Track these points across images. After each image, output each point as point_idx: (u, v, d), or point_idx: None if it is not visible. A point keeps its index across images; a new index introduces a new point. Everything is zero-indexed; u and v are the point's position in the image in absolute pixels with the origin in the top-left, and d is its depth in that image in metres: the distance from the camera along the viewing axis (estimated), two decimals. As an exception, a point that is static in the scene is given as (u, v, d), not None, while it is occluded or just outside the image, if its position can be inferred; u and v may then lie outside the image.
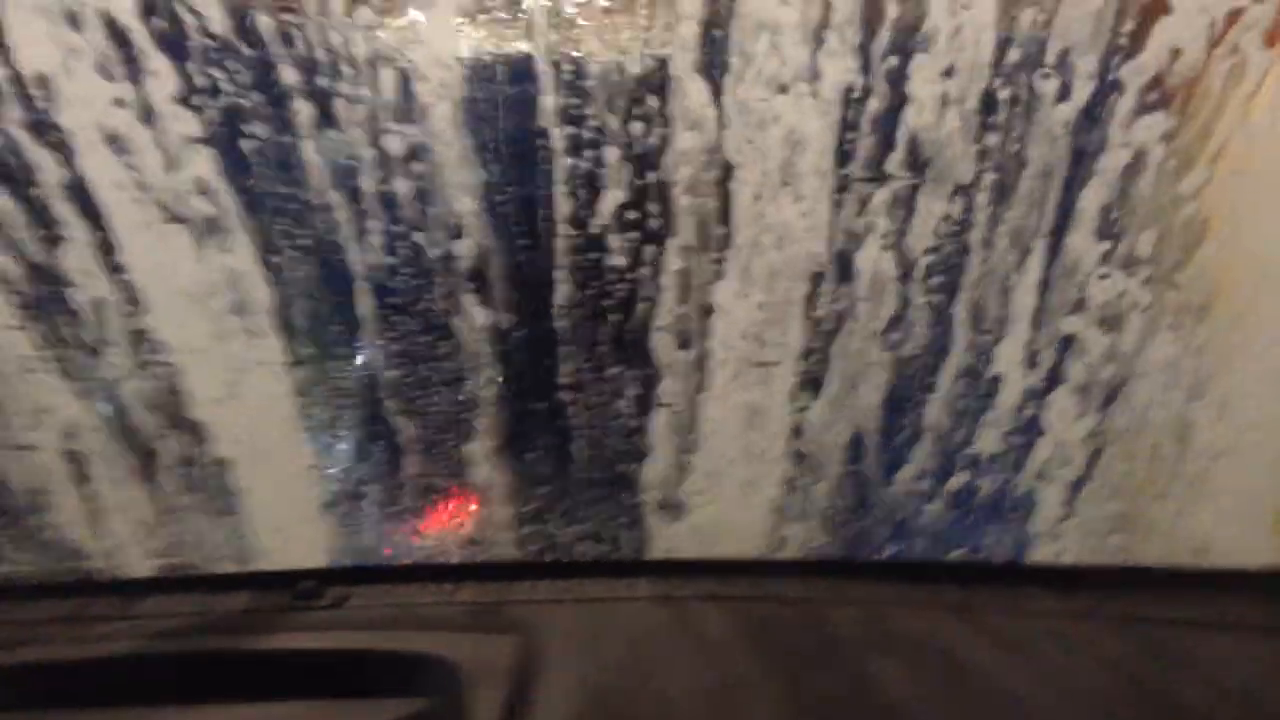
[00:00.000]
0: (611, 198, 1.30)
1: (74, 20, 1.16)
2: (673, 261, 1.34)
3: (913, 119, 1.24)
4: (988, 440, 1.40)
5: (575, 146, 1.28)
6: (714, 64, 1.23)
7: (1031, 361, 1.36)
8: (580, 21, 1.24)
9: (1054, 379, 1.36)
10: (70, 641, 1.20)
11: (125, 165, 1.23)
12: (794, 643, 1.14)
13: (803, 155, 1.27)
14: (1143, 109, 1.21)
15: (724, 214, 1.31)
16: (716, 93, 1.25)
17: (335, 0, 1.19)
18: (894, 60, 1.22)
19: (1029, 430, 1.39)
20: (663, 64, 1.24)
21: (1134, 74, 1.20)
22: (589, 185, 1.30)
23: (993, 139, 1.25)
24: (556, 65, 1.25)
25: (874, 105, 1.24)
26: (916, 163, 1.27)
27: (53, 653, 1.15)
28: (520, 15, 1.22)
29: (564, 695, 0.96)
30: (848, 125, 1.26)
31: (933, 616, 1.21)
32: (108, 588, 1.42)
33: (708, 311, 1.36)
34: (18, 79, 1.18)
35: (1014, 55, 1.21)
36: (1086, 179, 1.26)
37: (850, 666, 1.07)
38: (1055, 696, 1.03)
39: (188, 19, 1.18)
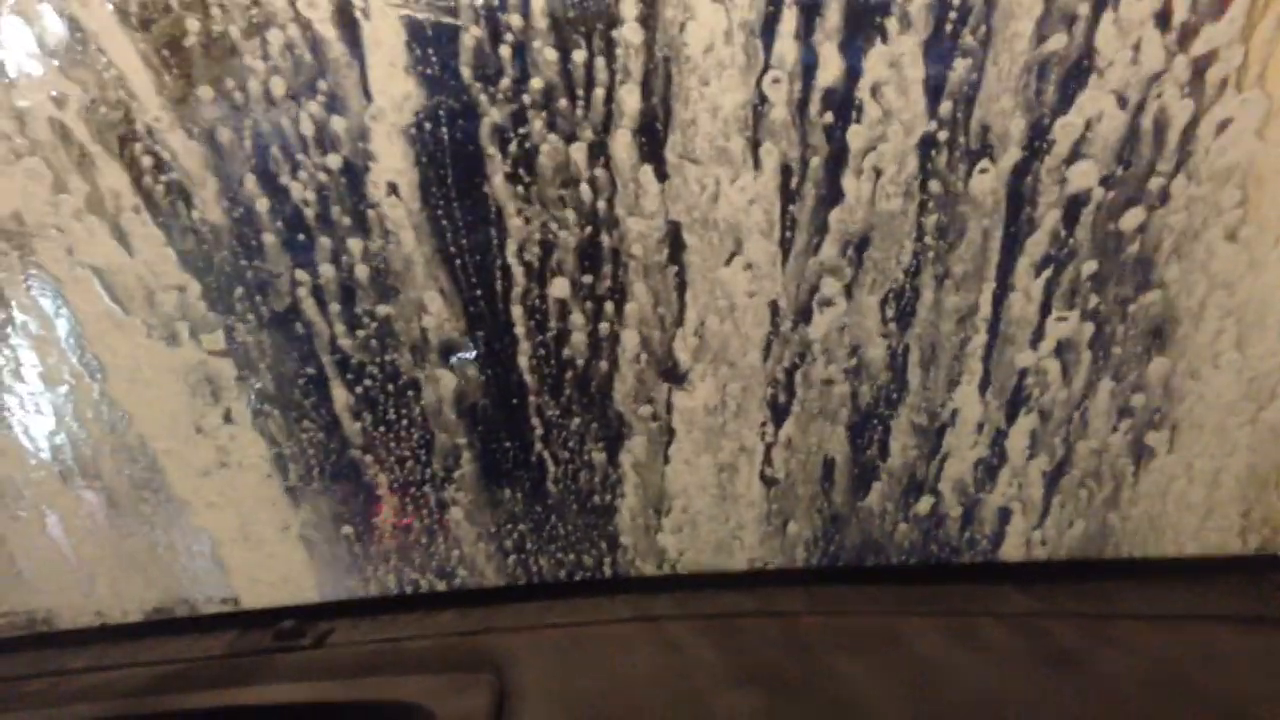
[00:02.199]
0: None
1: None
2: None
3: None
4: (952, 465, 1.39)
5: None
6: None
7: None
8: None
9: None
10: (55, 702, 1.21)
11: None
12: (774, 662, 1.15)
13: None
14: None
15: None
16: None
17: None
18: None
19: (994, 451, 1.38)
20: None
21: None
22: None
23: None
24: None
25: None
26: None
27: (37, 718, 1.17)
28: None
29: None
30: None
31: (909, 621, 1.22)
32: (88, 636, 1.44)
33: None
34: None
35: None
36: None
37: (830, 676, 1.08)
38: (1028, 693, 1.03)
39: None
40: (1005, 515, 1.41)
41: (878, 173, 1.14)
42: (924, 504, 1.43)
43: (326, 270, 1.27)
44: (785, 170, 1.16)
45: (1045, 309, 1.21)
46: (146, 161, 1.20)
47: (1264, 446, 1.26)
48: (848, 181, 1.16)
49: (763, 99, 1.14)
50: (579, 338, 1.32)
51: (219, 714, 1.14)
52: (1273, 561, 1.29)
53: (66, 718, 1.15)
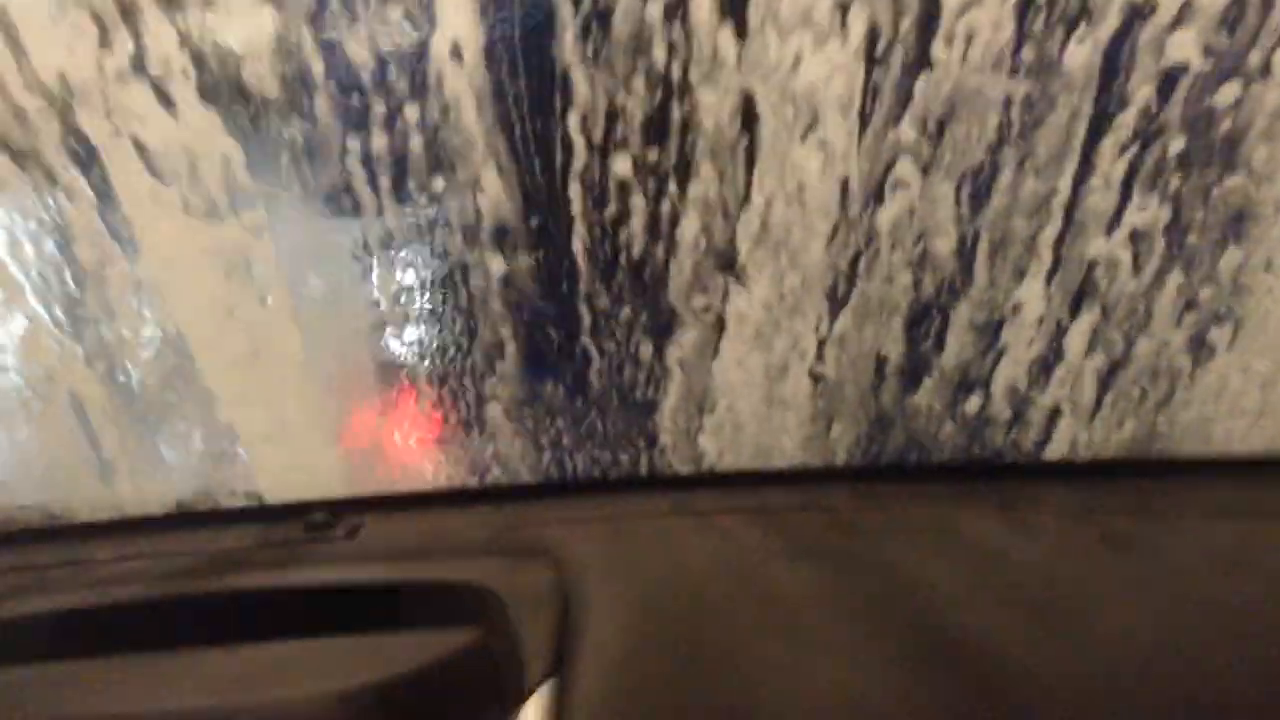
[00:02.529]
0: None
1: None
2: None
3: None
4: (1007, 362, 1.37)
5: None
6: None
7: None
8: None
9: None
10: (78, 588, 1.15)
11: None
12: (825, 547, 1.13)
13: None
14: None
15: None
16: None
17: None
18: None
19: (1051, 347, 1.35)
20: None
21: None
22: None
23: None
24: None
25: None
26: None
27: (60, 601, 1.10)
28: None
29: (610, 616, 0.93)
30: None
31: (957, 513, 1.20)
32: (110, 529, 1.38)
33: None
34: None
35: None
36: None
37: (883, 560, 1.06)
38: (1082, 571, 1.02)
39: None
40: (1055, 414, 1.40)
41: (970, 39, 1.09)
42: (973, 403, 1.41)
43: (379, 139, 1.19)
44: (872, 36, 1.11)
45: (1125, 194, 1.18)
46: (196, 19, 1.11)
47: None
48: (937, 48, 1.11)
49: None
50: (637, 221, 1.26)
51: (259, 597, 1.07)
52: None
53: (91, 601, 1.08)
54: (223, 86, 1.15)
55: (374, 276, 1.34)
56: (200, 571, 1.15)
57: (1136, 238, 1.22)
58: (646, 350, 1.39)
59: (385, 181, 1.23)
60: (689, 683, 0.82)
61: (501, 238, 1.28)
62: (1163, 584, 0.99)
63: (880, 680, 0.82)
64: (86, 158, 1.19)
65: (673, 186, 1.24)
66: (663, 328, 1.38)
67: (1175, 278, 1.25)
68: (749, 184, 1.23)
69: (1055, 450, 1.42)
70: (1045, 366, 1.37)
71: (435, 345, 1.39)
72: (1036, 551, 1.09)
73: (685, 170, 1.23)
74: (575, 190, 1.24)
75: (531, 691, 0.81)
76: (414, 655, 0.78)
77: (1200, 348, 1.31)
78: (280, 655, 0.82)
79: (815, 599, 0.99)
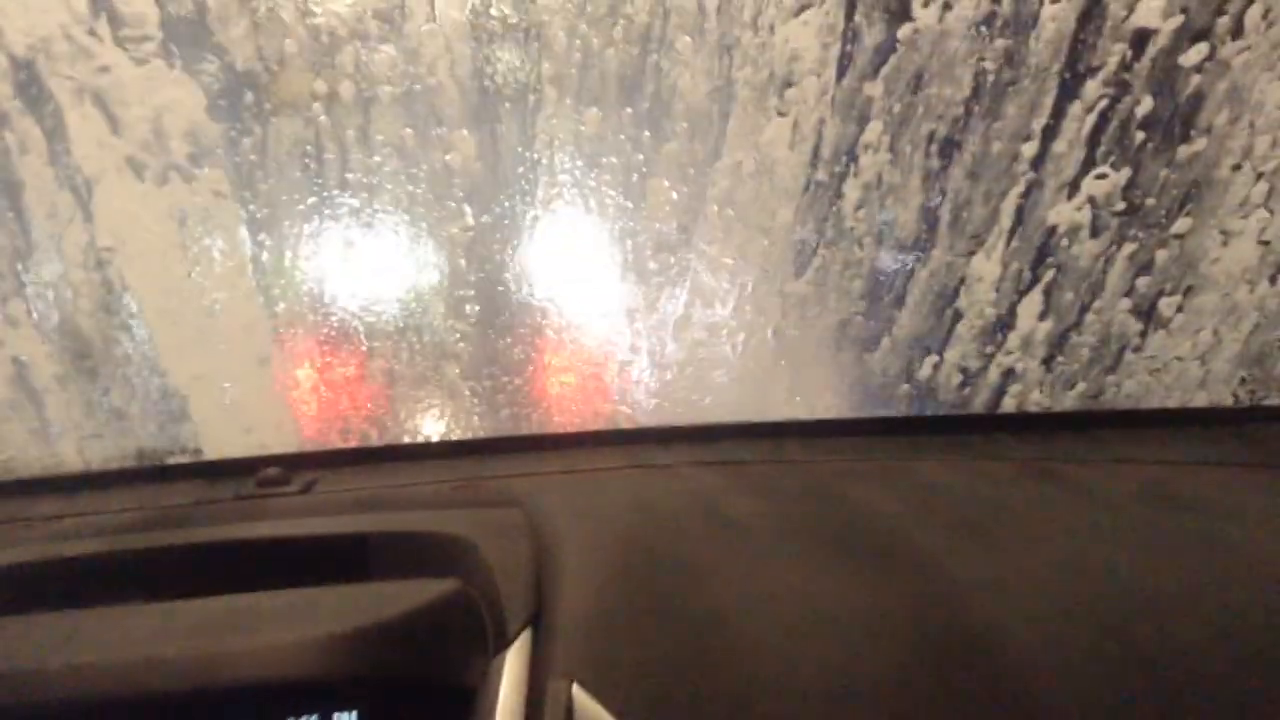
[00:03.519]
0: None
1: None
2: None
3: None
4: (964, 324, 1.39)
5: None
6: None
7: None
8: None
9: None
10: (25, 542, 1.09)
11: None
12: (784, 488, 1.14)
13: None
14: None
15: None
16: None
17: None
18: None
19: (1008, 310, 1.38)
20: None
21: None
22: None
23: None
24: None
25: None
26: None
27: (9, 555, 1.04)
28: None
29: (580, 559, 0.92)
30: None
31: (912, 463, 1.22)
32: (55, 484, 1.31)
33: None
34: None
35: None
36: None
37: (843, 499, 1.07)
38: (1028, 504, 1.06)
39: None
40: (1009, 374, 1.44)
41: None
42: (929, 362, 1.44)
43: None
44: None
45: (1089, 159, 1.21)
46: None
47: (1273, 313, 1.30)
48: (916, 8, 1.11)
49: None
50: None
51: (217, 550, 1.02)
52: (1266, 412, 1.36)
53: (40, 554, 1.02)
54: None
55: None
56: (153, 525, 1.08)
57: (1096, 203, 1.25)
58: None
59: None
60: (663, 612, 0.82)
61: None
62: (1101, 517, 1.03)
63: (835, 589, 0.85)
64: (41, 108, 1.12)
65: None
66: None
67: (1128, 246, 1.29)
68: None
69: (1009, 405, 1.46)
70: (1002, 328, 1.40)
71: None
72: (986, 488, 1.12)
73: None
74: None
75: (515, 637, 0.80)
76: (394, 603, 0.75)
77: (1152, 313, 1.36)
78: (252, 606, 0.78)
79: (774, 529, 1.00)
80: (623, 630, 0.81)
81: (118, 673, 0.69)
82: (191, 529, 1.07)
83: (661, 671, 0.76)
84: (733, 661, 0.77)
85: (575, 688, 0.73)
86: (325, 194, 1.24)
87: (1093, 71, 1.14)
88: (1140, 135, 1.18)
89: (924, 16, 1.11)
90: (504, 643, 0.79)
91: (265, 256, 1.28)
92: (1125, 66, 1.13)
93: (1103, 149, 1.20)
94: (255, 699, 0.68)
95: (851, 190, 1.27)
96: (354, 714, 0.70)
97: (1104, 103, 1.16)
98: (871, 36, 1.13)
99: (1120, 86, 1.15)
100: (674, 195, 1.27)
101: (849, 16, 1.11)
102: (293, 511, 1.15)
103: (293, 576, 0.91)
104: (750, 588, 0.86)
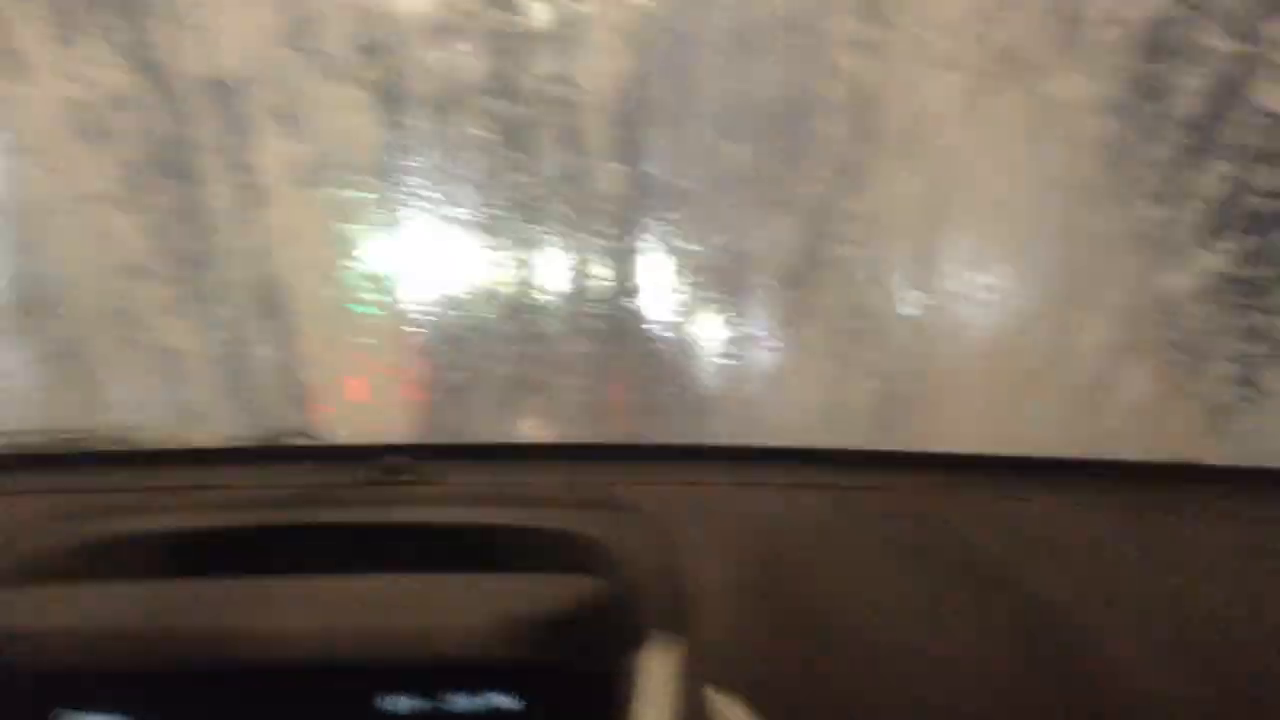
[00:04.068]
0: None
1: None
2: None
3: None
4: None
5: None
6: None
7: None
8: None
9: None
10: (160, 511, 1.14)
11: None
12: (895, 521, 1.14)
13: None
14: None
15: None
16: None
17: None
18: None
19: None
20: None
21: None
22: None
23: None
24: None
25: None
26: None
27: (149, 521, 1.08)
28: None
29: (715, 575, 0.94)
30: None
31: (1030, 502, 1.21)
32: (182, 458, 1.37)
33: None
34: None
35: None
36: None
37: (966, 544, 1.07)
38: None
39: None
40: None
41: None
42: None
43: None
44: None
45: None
46: None
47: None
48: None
49: None
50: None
51: (359, 531, 1.04)
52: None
53: (178, 523, 1.05)
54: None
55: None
56: (284, 503, 1.12)
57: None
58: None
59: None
60: (794, 628, 0.86)
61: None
62: (1200, 563, 1.02)
63: (948, 618, 0.88)
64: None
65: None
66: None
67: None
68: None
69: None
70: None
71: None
72: (1090, 530, 1.12)
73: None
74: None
75: (654, 638, 0.81)
76: (552, 595, 0.78)
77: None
78: (408, 587, 0.82)
79: (885, 555, 1.02)
80: (756, 643, 0.84)
81: (299, 640, 0.73)
82: (320, 509, 1.10)
83: (799, 686, 0.80)
84: (857, 680, 0.80)
85: (717, 693, 0.76)
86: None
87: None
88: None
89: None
90: (648, 643, 0.81)
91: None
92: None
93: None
94: (428, 677, 0.72)
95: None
96: (515, 697, 0.72)
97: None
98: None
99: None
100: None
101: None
102: (418, 499, 1.18)
103: (421, 562, 0.93)
104: (870, 613, 0.89)
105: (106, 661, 0.71)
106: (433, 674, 0.73)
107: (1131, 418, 1.40)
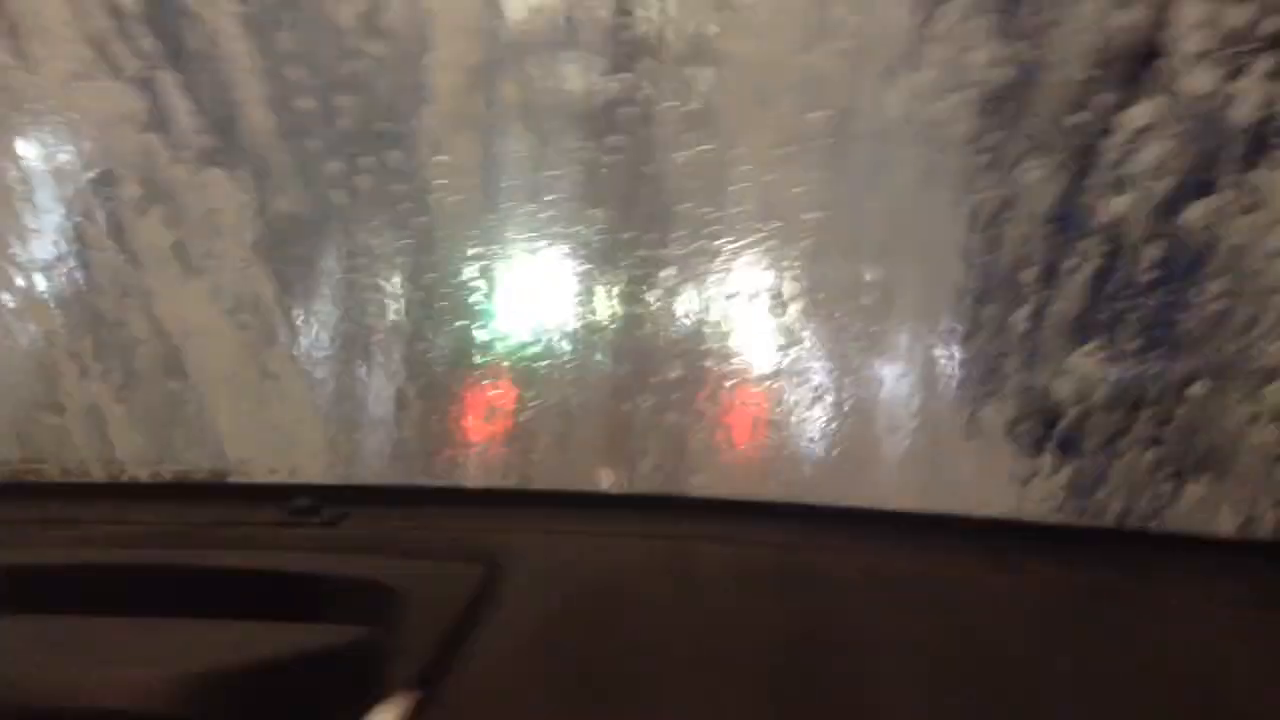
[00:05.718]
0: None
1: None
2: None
3: None
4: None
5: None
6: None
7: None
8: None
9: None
10: (50, 545, 1.12)
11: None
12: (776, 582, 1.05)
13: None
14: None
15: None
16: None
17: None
18: None
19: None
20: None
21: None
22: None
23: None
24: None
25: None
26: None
27: (29, 556, 1.06)
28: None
29: (520, 625, 0.89)
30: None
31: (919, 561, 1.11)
32: (82, 491, 1.36)
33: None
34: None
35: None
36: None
37: (835, 606, 0.96)
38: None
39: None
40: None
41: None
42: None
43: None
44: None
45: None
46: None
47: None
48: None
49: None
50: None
51: (192, 574, 1.02)
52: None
53: (47, 559, 1.05)
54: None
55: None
56: (172, 542, 1.13)
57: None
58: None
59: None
60: (574, 690, 0.79)
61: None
62: (1191, 635, 0.90)
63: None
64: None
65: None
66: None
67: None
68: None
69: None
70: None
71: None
72: (1068, 600, 1.01)
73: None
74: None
75: (392, 697, 0.77)
76: (259, 647, 0.78)
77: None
78: (173, 632, 0.84)
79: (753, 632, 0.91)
80: (525, 700, 0.78)
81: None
82: (204, 551, 1.09)
83: None
84: None
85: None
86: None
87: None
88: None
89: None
90: (377, 702, 0.77)
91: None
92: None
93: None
94: None
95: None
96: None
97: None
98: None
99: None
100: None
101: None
102: (289, 544, 1.15)
103: (263, 609, 0.92)
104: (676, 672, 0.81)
105: None
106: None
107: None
